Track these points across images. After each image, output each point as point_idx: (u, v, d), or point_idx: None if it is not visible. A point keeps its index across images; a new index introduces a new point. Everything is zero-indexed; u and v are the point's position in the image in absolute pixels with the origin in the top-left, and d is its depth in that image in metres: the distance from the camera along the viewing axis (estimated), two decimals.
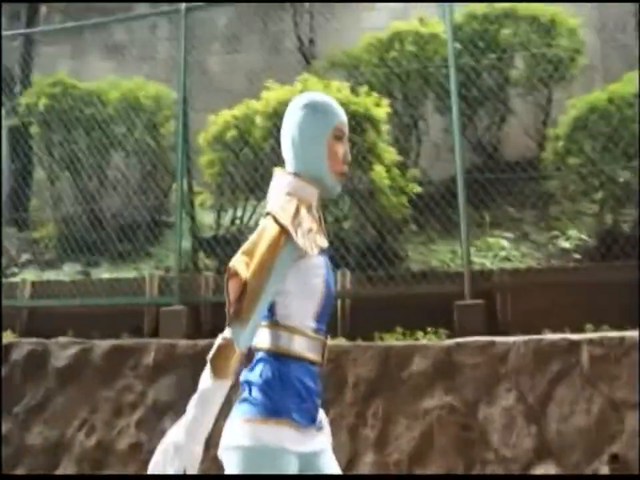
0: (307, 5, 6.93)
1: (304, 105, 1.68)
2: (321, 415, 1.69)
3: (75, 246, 5.21)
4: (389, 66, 5.25)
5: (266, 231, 1.56)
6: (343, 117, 1.70)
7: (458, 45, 4.93)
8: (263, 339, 1.59)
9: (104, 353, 3.74)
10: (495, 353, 3.18)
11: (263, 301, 1.51)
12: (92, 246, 5.22)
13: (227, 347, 1.48)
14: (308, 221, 1.60)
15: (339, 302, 3.86)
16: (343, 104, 4.46)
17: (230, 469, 1.52)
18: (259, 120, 4.79)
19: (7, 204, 6.06)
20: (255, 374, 1.57)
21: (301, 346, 1.58)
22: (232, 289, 1.51)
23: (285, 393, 1.55)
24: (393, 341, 3.48)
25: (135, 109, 5.52)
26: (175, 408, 3.48)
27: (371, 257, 4.13)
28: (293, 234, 1.53)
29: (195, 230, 4.90)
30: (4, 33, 5.84)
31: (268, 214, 1.59)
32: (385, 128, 4.71)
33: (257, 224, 5.20)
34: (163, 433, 3.41)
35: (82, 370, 3.75)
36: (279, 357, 1.58)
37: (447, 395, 3.15)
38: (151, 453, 3.36)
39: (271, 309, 1.59)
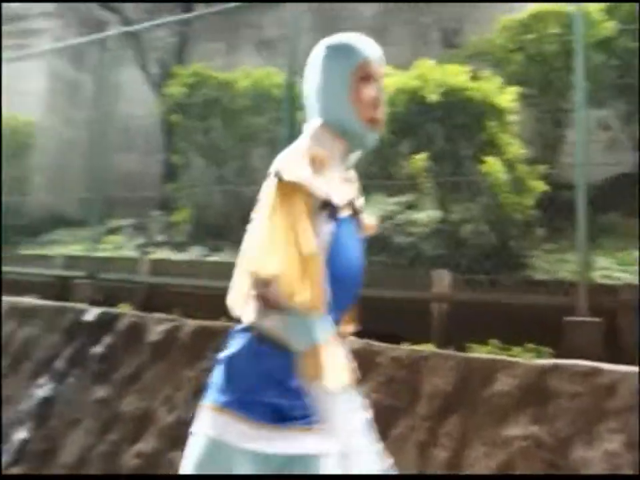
0: None
1: (325, 47, 1.44)
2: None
3: (205, 230, 5.37)
4: (526, 50, 4.69)
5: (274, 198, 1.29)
6: (372, 54, 1.44)
7: (614, 25, 4.26)
8: (249, 310, 1.36)
9: (191, 332, 3.74)
10: (600, 383, 2.62)
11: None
12: (220, 231, 5.34)
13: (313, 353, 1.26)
14: (330, 177, 1.33)
15: (436, 306, 3.48)
16: (458, 89, 4.08)
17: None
18: None
19: (157, 187, 6.45)
20: (228, 352, 1.37)
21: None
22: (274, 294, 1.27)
23: (256, 383, 1.32)
24: (485, 353, 3.04)
25: (263, 98, 5.54)
26: None
27: (485, 260, 3.69)
28: (308, 185, 1.26)
29: None
30: (153, 23, 6.17)
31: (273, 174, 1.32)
32: (510, 118, 4.20)
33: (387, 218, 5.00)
34: None
35: (171, 347, 3.79)
36: (260, 338, 1.33)
37: (535, 424, 2.65)
38: None
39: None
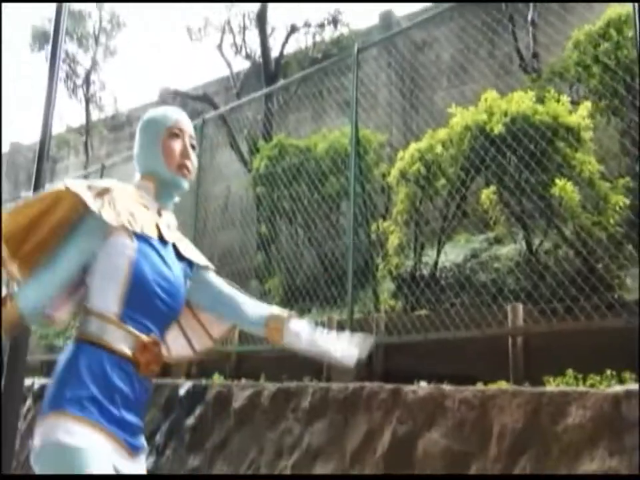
0: (528, 15, 6.57)
1: (142, 120, 1.87)
2: (143, 458, 1.64)
3: (294, 294, 5.69)
4: (603, 62, 4.64)
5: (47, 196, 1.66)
6: (179, 117, 1.85)
7: None
8: (77, 327, 1.64)
9: (271, 395, 3.99)
10: None
11: (52, 260, 1.61)
12: (308, 292, 5.62)
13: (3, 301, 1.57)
14: (131, 204, 1.69)
15: (511, 341, 3.46)
16: (524, 116, 4.14)
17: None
18: (439, 149, 4.68)
19: (251, 258, 6.94)
20: (58, 361, 1.61)
21: (107, 335, 1.58)
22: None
23: (73, 381, 1.54)
24: (561, 385, 2.97)
25: (340, 157, 5.88)
26: (326, 452, 3.51)
27: (570, 287, 3.61)
28: (88, 200, 1.59)
29: (390, 271, 4.93)
30: (238, 103, 6.82)
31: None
32: (585, 135, 4.16)
33: (455, 264, 5.04)
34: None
35: (254, 411, 4.04)
36: (80, 344, 1.59)
37: (612, 457, 2.55)
38: None
39: (84, 293, 1.65)
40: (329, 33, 8.62)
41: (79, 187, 1.63)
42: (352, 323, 4.16)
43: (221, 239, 8.65)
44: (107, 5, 11.53)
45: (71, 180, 1.68)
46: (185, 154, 1.80)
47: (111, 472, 1.51)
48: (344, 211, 6.08)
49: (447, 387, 3.18)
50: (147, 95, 16.24)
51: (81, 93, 11.67)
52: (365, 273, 5.21)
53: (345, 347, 1.80)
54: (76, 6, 11.35)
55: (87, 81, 11.78)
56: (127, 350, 1.59)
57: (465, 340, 3.70)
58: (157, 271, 1.67)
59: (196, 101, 9.23)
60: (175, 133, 1.80)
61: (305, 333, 1.81)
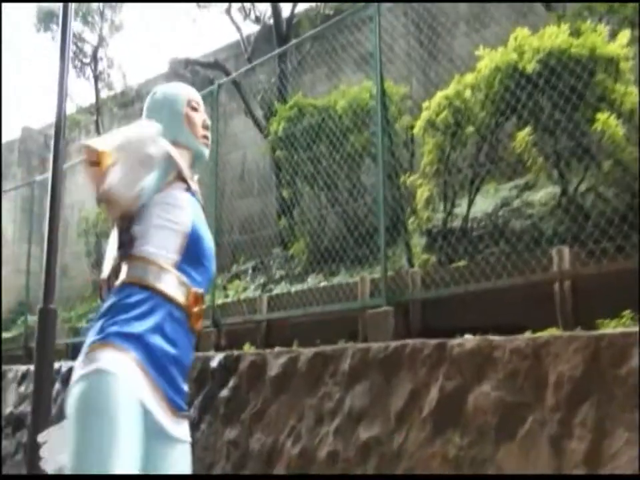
0: None
1: (158, 93, 1.94)
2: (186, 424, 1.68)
3: (320, 257, 5.57)
4: None
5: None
6: (196, 93, 1.98)
7: None
8: (124, 272, 1.61)
9: (308, 360, 3.88)
10: None
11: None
12: (335, 255, 5.49)
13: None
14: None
15: (558, 286, 3.30)
16: (559, 51, 3.92)
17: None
18: (467, 94, 4.49)
19: (275, 225, 6.82)
20: (107, 300, 1.60)
21: (164, 283, 1.58)
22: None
23: (122, 318, 1.54)
24: (618, 327, 2.82)
25: (362, 113, 5.69)
26: (369, 415, 3.41)
27: (611, 228, 3.43)
28: (172, 151, 1.66)
29: (420, 225, 4.78)
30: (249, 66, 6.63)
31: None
32: (625, 66, 3.94)
33: (486, 214, 4.86)
34: (357, 442, 3.37)
35: (291, 378, 3.95)
36: (131, 287, 1.58)
37: None
38: (345, 461, 3.36)
39: (131, 242, 1.62)
40: None
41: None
42: (386, 280, 4.03)
43: (240, 208, 8.54)
44: None
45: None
46: (205, 126, 1.92)
47: (138, 415, 1.47)
48: (365, 168, 5.91)
49: (495, 338, 3.04)
50: (156, 68, 16.00)
51: (88, 71, 11.53)
52: (394, 229, 5.05)
53: None
54: None
55: (95, 59, 11.62)
56: (181, 298, 1.61)
57: (506, 289, 3.55)
58: (205, 231, 1.75)
59: (207, 69, 9.05)
60: (194, 106, 1.91)
61: None
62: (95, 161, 1.55)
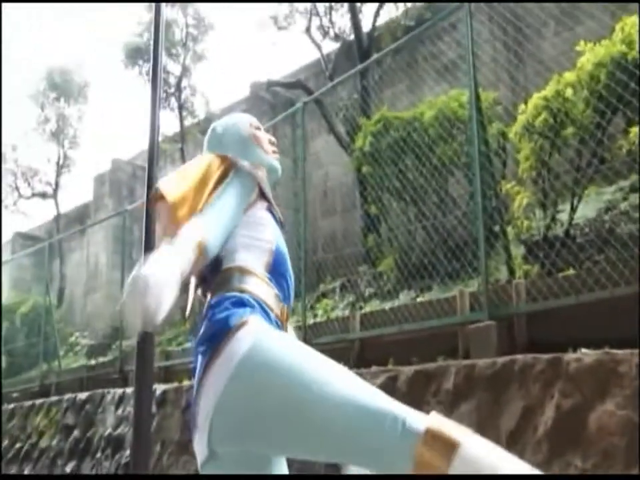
0: None
1: (220, 125, 1.99)
2: None
3: (409, 274, 5.42)
4: None
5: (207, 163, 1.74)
6: (253, 117, 2.03)
7: None
8: (218, 285, 1.59)
9: (408, 379, 3.72)
10: None
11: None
12: (425, 271, 5.32)
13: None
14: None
15: None
16: None
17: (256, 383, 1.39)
18: (569, 93, 4.25)
19: (357, 242, 6.72)
20: (205, 311, 1.58)
21: (263, 291, 1.56)
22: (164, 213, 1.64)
23: (236, 312, 1.52)
24: None
25: (451, 122, 5.53)
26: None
27: None
28: (251, 169, 1.75)
29: (518, 234, 4.55)
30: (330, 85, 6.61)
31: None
32: None
33: (588, 220, 4.56)
34: None
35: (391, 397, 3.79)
36: (232, 294, 1.56)
37: None
38: None
39: (218, 261, 1.61)
40: None
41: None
42: (488, 293, 3.83)
43: (324, 227, 8.50)
44: (191, 9, 11.65)
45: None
46: (272, 142, 1.98)
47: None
48: (454, 180, 5.73)
49: (618, 351, 2.79)
50: (238, 93, 16.43)
51: (173, 100, 11.89)
52: (490, 240, 4.83)
53: None
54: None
55: (179, 88, 11.98)
56: (276, 309, 1.61)
57: (622, 298, 3.28)
58: (285, 251, 1.76)
59: (288, 89, 9.14)
60: (257, 126, 1.98)
61: None
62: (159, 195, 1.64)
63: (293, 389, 1.35)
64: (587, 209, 4.78)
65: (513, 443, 3.04)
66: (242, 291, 1.56)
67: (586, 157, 4.26)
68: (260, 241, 1.67)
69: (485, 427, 3.19)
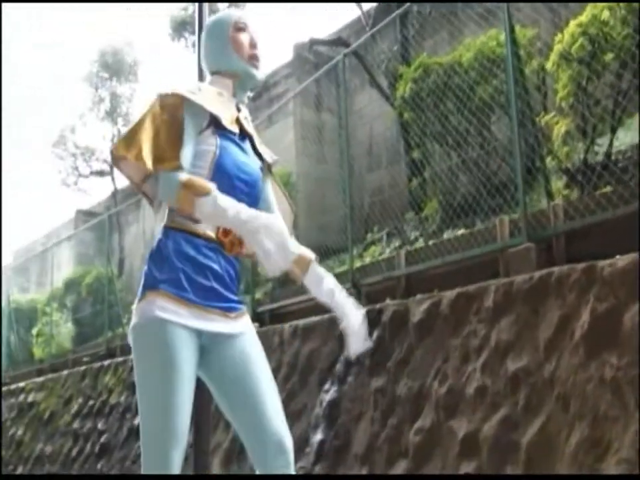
0: None
1: (206, 26, 2.00)
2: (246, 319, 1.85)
3: (455, 212, 5.51)
4: None
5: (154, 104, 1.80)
6: (242, 13, 2.00)
7: None
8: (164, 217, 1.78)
9: (451, 302, 3.87)
10: None
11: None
12: (468, 210, 5.39)
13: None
14: (215, 101, 1.83)
15: None
16: None
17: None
18: (605, 15, 4.24)
19: (403, 193, 6.81)
20: (150, 249, 1.78)
21: (191, 221, 1.74)
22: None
23: (165, 265, 1.72)
24: None
25: (490, 61, 5.54)
26: (516, 347, 3.33)
27: None
28: (190, 96, 1.75)
29: (559, 164, 4.58)
30: (368, 35, 6.66)
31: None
32: None
33: (631, 146, 4.54)
34: (506, 375, 3.32)
35: (434, 322, 3.95)
36: (168, 231, 1.75)
37: None
38: (495, 395, 3.32)
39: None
40: None
41: (176, 89, 1.81)
42: (526, 216, 3.92)
43: (370, 181, 8.62)
44: None
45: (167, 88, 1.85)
46: (253, 44, 1.93)
47: (194, 350, 1.73)
48: (495, 119, 5.75)
49: None
50: (281, 57, 16.51)
51: None
52: (530, 174, 4.88)
53: (356, 330, 1.81)
54: None
55: None
56: (210, 232, 1.76)
57: None
58: (237, 164, 1.82)
59: (331, 47, 9.21)
60: (240, 27, 1.92)
61: (327, 282, 1.89)
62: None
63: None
64: (629, 136, 4.76)
65: (551, 349, 3.16)
66: (176, 228, 1.77)
67: (627, 79, 4.25)
68: (195, 167, 1.76)
69: (523, 338, 3.32)
